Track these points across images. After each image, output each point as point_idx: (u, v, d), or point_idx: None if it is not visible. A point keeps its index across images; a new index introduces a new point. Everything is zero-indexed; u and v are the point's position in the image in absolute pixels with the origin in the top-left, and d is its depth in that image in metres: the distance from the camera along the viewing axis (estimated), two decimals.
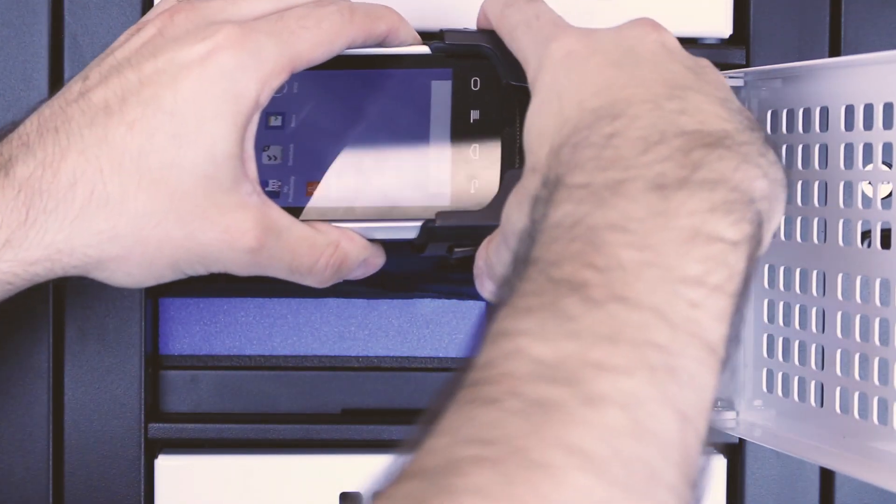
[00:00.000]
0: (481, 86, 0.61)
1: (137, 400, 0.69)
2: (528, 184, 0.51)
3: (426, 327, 0.72)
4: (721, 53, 0.70)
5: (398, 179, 0.61)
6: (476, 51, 0.61)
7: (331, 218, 0.60)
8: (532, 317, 0.40)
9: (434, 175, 0.61)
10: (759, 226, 0.46)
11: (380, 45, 0.60)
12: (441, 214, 0.59)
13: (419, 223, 0.59)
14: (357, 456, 0.71)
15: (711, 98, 0.50)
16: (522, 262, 0.44)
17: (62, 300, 0.69)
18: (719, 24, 0.70)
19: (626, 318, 0.40)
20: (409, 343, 0.72)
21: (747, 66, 0.70)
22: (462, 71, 0.61)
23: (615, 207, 0.43)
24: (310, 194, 0.61)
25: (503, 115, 0.61)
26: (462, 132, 0.61)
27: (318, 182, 0.61)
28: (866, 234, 0.56)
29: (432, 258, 0.71)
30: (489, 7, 0.60)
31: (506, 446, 0.36)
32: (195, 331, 0.72)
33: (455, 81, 0.61)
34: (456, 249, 0.61)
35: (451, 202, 0.60)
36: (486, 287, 0.59)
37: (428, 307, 0.72)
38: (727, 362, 0.42)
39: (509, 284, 0.43)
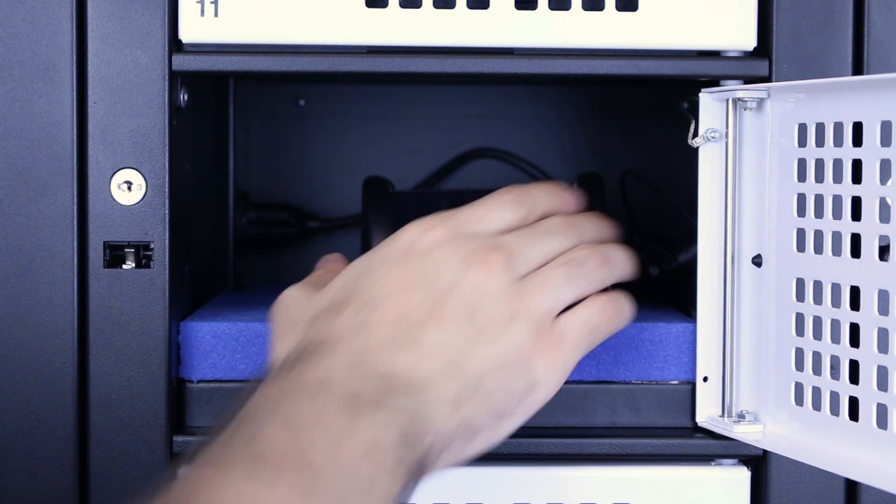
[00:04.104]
0: None
1: (163, 413, 0.69)
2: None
3: None
4: (744, 66, 0.70)
5: None
6: None
7: None
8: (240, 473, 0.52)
9: None
10: (418, 469, 0.56)
11: None
12: None
13: None
14: None
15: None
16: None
17: (85, 318, 0.69)
18: (743, 36, 0.70)
19: (312, 487, 0.52)
20: None
21: (770, 78, 0.70)
22: None
23: (313, 405, 0.55)
24: None
25: None
26: None
27: None
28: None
29: None
30: None
31: None
32: (220, 355, 0.71)
33: None
34: None
35: None
36: None
37: None
38: None
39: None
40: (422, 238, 0.62)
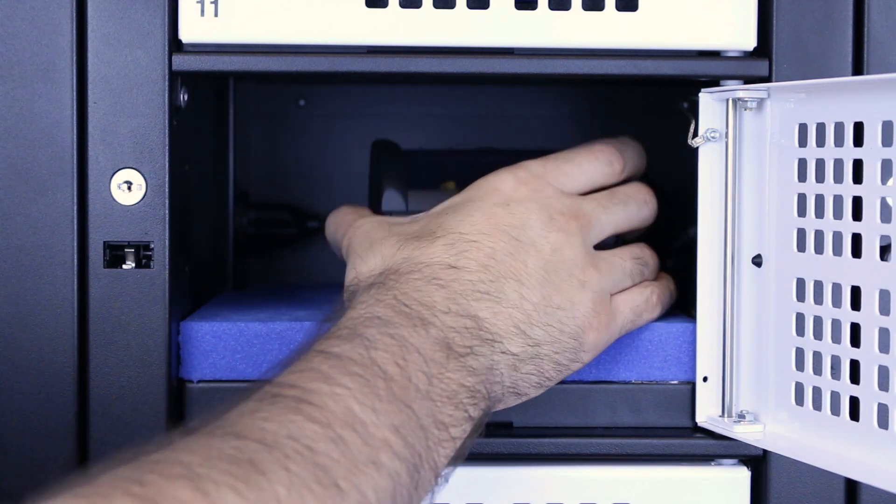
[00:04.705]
0: None
1: (163, 413, 0.69)
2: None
3: None
4: (744, 66, 0.70)
5: None
6: None
7: None
8: (353, 379, 0.53)
9: None
10: (484, 415, 0.60)
11: None
12: None
13: None
14: None
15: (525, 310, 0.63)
16: (338, 317, 0.59)
17: (86, 324, 0.69)
18: (743, 36, 0.70)
19: (407, 420, 0.54)
20: None
21: (770, 78, 0.70)
22: None
23: (417, 336, 0.57)
24: None
25: None
26: None
27: None
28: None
29: None
30: None
31: (317, 458, 0.48)
32: (220, 355, 0.71)
33: None
34: None
35: None
36: None
37: None
38: (438, 486, 0.57)
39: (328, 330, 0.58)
40: (514, 192, 0.67)
